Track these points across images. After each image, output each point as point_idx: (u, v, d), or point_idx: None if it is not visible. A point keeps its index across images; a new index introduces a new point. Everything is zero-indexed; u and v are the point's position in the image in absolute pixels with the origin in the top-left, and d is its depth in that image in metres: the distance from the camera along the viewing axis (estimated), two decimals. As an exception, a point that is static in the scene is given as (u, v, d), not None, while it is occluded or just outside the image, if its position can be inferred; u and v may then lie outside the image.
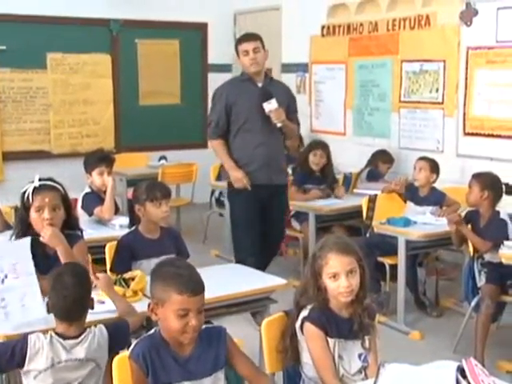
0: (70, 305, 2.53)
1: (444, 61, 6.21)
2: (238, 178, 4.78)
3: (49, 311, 2.59)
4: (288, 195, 5.15)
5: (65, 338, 2.52)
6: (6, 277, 2.76)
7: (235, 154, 4.86)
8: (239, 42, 4.83)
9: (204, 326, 2.36)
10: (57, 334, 2.53)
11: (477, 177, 4.37)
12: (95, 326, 2.61)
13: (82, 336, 2.55)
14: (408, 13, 6.52)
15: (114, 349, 2.59)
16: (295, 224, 5.88)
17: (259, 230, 4.88)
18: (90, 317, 2.74)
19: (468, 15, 5.94)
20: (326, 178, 5.90)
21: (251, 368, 2.44)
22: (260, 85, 4.81)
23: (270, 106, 4.66)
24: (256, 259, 4.60)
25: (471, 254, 4.37)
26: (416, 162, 5.29)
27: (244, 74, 4.87)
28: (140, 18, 8.19)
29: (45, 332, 2.54)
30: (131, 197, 3.75)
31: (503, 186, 4.39)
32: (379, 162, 6.32)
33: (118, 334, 2.66)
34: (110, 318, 2.82)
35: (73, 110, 7.95)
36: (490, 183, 4.33)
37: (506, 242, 3.95)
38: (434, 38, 6.28)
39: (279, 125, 4.71)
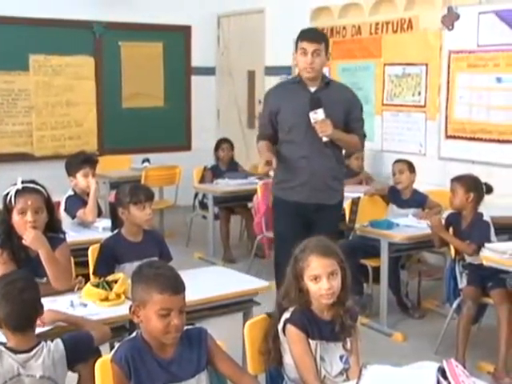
0: (20, 311, 2.43)
1: (426, 64, 6.26)
2: (264, 160, 4.12)
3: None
4: (337, 215, 4.51)
5: (16, 352, 2.42)
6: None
7: (278, 167, 4.27)
8: (301, 37, 4.19)
9: (184, 328, 2.36)
10: (8, 348, 2.43)
11: (459, 180, 4.40)
12: (51, 340, 2.51)
13: (35, 350, 2.45)
14: (391, 16, 6.57)
15: (73, 364, 2.53)
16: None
17: None
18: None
19: (450, 19, 6.00)
20: None
21: (234, 367, 2.44)
22: (313, 90, 4.22)
23: (316, 116, 4.06)
24: None
25: (453, 255, 4.41)
26: (394, 166, 5.33)
27: (297, 76, 4.31)
28: (123, 21, 8.17)
29: None
30: (113, 200, 3.73)
31: (484, 187, 4.44)
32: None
33: (77, 349, 2.55)
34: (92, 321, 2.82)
35: (55, 112, 7.92)
36: (473, 185, 4.37)
37: (486, 245, 3.98)
38: (416, 41, 6.33)
39: (325, 139, 4.11)
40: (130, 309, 2.36)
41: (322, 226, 4.15)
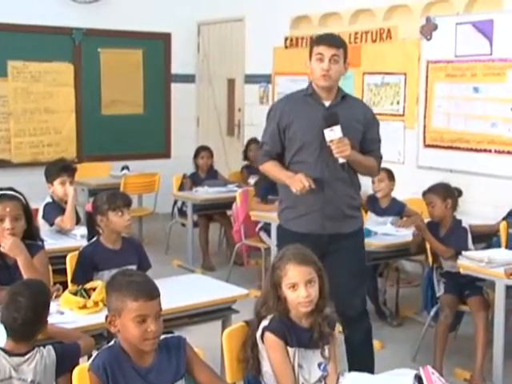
0: (18, 327, 2.48)
1: (405, 74, 6.31)
2: (297, 180, 3.50)
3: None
4: (362, 243, 3.84)
5: (11, 354, 2.46)
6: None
7: (282, 191, 3.74)
8: (317, 41, 3.66)
9: (163, 336, 2.36)
10: (3, 350, 2.47)
11: (432, 191, 4.43)
12: (44, 346, 2.54)
13: (29, 354, 2.49)
14: (370, 26, 6.62)
15: (60, 373, 2.55)
16: (264, 237, 5.79)
17: None
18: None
19: (428, 29, 6.06)
20: None
21: (212, 376, 2.44)
22: (327, 104, 3.64)
23: (332, 134, 3.46)
24: None
25: (430, 263, 4.45)
26: (373, 175, 5.36)
27: (309, 88, 3.68)
28: (103, 27, 8.16)
29: None
30: (90, 209, 3.71)
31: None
32: None
33: (66, 358, 2.58)
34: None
35: (34, 118, 7.87)
36: (447, 191, 4.42)
37: (464, 253, 4.02)
38: (395, 51, 6.38)
39: (341, 160, 3.51)
40: (106, 319, 2.34)
41: (339, 256, 3.58)
